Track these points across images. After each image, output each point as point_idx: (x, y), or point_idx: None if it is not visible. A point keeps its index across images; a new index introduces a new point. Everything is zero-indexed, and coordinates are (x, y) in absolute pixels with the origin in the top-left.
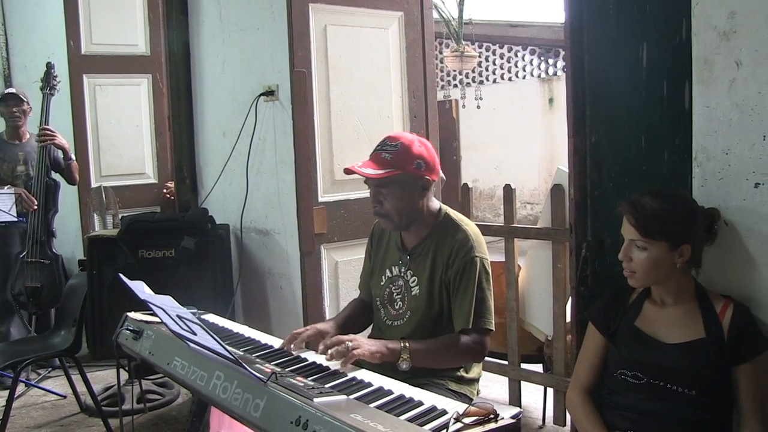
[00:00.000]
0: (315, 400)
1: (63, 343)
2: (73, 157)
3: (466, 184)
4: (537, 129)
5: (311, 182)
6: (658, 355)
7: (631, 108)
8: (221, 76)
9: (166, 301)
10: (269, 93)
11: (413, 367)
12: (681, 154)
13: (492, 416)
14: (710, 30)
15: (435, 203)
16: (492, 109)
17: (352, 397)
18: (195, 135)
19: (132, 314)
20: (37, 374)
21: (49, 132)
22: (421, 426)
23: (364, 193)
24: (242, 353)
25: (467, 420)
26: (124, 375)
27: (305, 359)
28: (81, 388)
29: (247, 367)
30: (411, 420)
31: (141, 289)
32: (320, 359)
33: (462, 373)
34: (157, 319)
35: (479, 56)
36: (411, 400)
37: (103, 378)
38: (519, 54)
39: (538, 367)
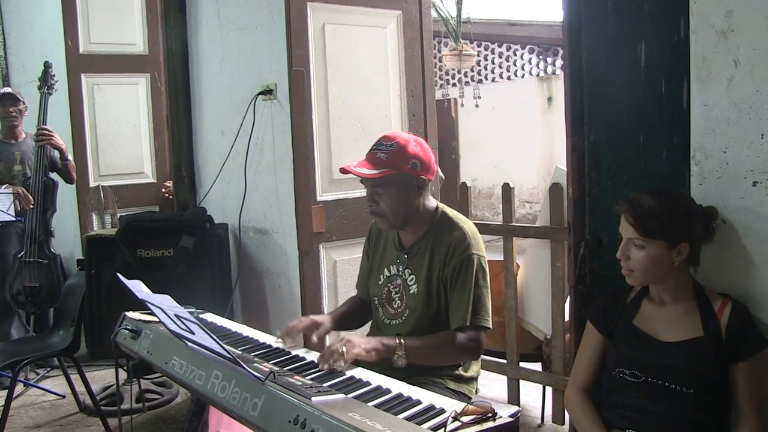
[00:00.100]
0: (313, 399)
1: (61, 342)
2: (70, 157)
3: (464, 183)
4: (536, 128)
5: (310, 181)
6: (656, 353)
7: (629, 107)
8: (219, 75)
9: (165, 301)
10: (267, 92)
11: (410, 365)
12: (679, 153)
13: (490, 415)
14: (708, 28)
15: (432, 202)
16: (491, 108)
17: (350, 395)
18: (193, 134)
19: (130, 314)
20: (35, 374)
21: (46, 132)
22: (420, 425)
23: (363, 192)
24: (240, 352)
25: (465, 418)
26: (122, 374)
27: (303, 358)
28: (80, 387)
29: (245, 366)
30: (409, 419)
31: (139, 288)
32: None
33: (460, 371)
34: (155, 319)
35: (478, 55)
36: (409, 398)
37: (102, 377)
38: (517, 53)
39: (536, 366)
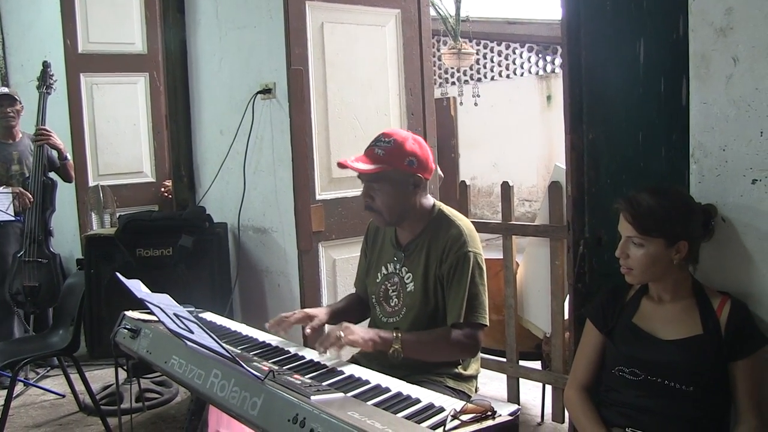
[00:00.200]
0: (312, 397)
1: (61, 342)
2: (68, 156)
3: (464, 182)
4: (535, 126)
5: (309, 180)
6: (655, 351)
7: (628, 105)
8: (218, 74)
9: (164, 300)
10: (266, 91)
11: (409, 363)
12: (678, 151)
13: (490, 413)
14: (707, 26)
15: (429, 200)
16: (490, 107)
17: (349, 394)
18: (192, 133)
19: (130, 313)
20: (35, 373)
21: (44, 132)
22: (419, 423)
23: (361, 190)
24: (240, 351)
25: (465, 417)
26: (122, 374)
27: (303, 357)
28: (79, 387)
29: (245, 365)
30: (408, 417)
31: (138, 287)
32: (318, 357)
33: (460, 370)
34: (154, 318)
35: (477, 53)
36: (408, 397)
37: (102, 377)
38: (517, 51)
39: (536, 365)
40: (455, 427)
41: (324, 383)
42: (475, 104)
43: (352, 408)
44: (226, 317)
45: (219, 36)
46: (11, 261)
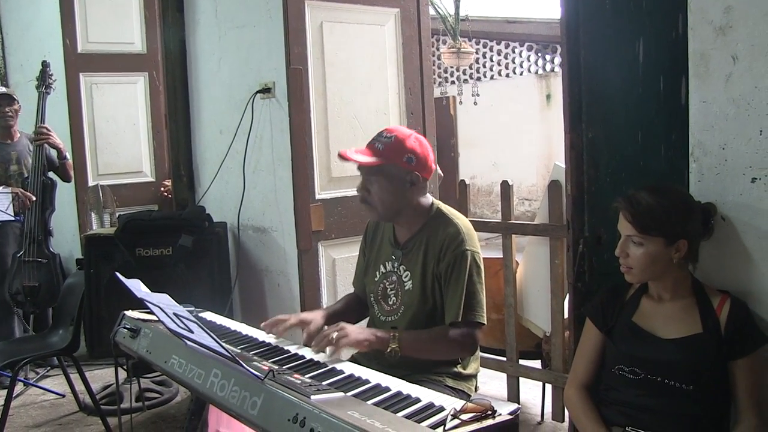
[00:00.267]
0: (312, 397)
1: (61, 342)
2: (68, 156)
3: (463, 181)
4: (534, 125)
5: (308, 179)
6: (655, 350)
7: (627, 104)
8: (218, 73)
9: (164, 300)
10: (266, 90)
11: (408, 362)
12: (678, 150)
13: (490, 412)
14: (706, 25)
15: (427, 199)
16: (489, 106)
17: (349, 394)
18: (192, 133)
19: (129, 313)
20: (35, 373)
21: (44, 131)
22: (419, 422)
23: None
24: (240, 351)
25: (465, 416)
26: (122, 373)
27: (302, 356)
28: (79, 386)
29: (245, 365)
30: (408, 417)
31: (138, 287)
32: (318, 357)
33: (459, 369)
34: (154, 318)
35: (476, 53)
36: (408, 396)
37: (102, 377)
38: (516, 50)
39: (536, 364)
40: (455, 427)
41: (324, 383)
42: (475, 103)
43: (352, 407)
44: (225, 317)
45: (218, 35)
46: (11, 261)
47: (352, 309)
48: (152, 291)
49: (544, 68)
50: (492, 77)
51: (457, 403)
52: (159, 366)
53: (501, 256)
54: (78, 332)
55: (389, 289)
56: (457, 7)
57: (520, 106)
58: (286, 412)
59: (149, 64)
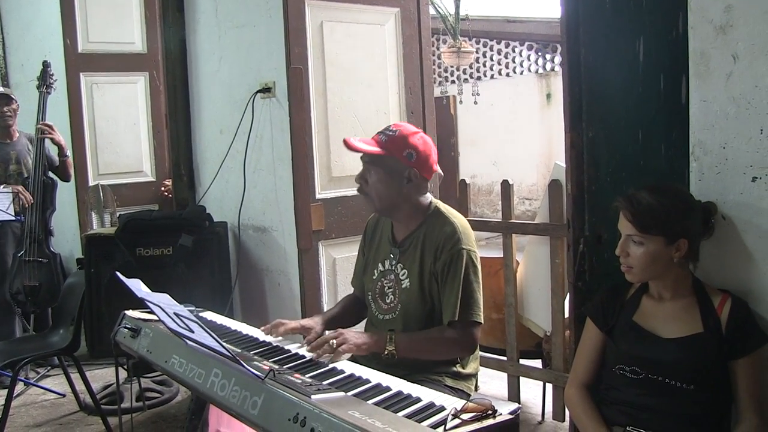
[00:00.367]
0: (313, 397)
1: (61, 341)
2: (68, 153)
3: (463, 180)
4: (535, 124)
5: (308, 179)
6: (656, 350)
7: (627, 103)
8: (218, 73)
9: (164, 299)
10: (266, 90)
11: (406, 361)
12: (678, 149)
13: (490, 412)
14: (706, 24)
15: (426, 197)
16: (489, 105)
17: (350, 393)
18: (192, 132)
19: (130, 312)
20: (36, 373)
21: (47, 127)
22: (419, 422)
23: None
24: (240, 350)
25: (465, 416)
26: (122, 373)
27: (303, 356)
28: (80, 386)
29: (245, 365)
30: (409, 416)
31: (138, 287)
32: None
33: (458, 368)
34: (154, 317)
35: (476, 52)
36: (409, 396)
37: (102, 376)
38: (516, 49)
39: (536, 363)
40: (456, 426)
41: (324, 382)
42: (475, 103)
43: (352, 407)
44: (226, 316)
45: (218, 35)
46: (11, 261)
47: (349, 312)
48: (153, 291)
49: (544, 67)
50: (492, 76)
51: (458, 403)
52: (159, 366)
53: (501, 256)
54: (78, 332)
55: (387, 288)
56: (457, 7)
57: (520, 106)
58: (286, 411)
59: (149, 64)
